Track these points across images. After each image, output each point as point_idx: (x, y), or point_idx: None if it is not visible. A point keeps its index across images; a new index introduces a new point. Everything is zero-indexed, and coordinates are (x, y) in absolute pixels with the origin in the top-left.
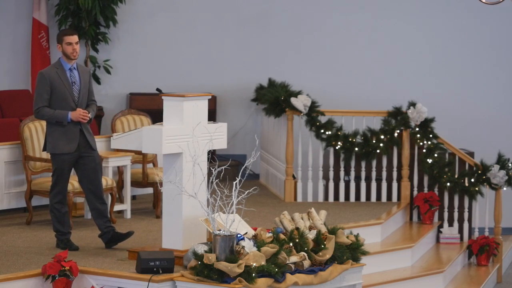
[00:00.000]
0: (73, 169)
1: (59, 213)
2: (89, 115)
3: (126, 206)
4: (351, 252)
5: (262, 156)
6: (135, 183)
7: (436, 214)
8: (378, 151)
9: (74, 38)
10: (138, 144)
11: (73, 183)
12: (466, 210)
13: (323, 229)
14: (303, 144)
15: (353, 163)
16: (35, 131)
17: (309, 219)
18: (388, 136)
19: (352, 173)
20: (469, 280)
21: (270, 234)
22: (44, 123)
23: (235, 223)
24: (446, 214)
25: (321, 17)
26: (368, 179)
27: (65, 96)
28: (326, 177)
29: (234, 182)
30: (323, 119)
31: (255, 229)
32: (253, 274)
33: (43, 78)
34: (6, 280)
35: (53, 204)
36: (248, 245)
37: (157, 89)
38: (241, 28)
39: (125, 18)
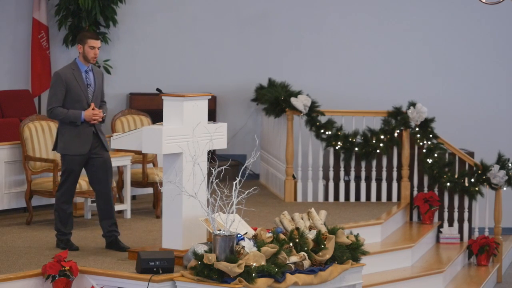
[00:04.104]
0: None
1: (64, 213)
2: (103, 115)
3: (126, 206)
4: (351, 252)
5: (262, 156)
6: (135, 183)
7: (436, 214)
8: (378, 151)
9: (98, 43)
10: (138, 144)
11: None
12: (466, 210)
13: (323, 229)
14: (303, 144)
15: (353, 163)
16: (35, 131)
17: (309, 219)
18: (388, 136)
19: (352, 173)
20: (469, 280)
21: (270, 234)
22: (44, 123)
23: (235, 223)
24: (446, 214)
25: (321, 17)
26: (368, 179)
27: (79, 98)
28: (326, 177)
29: (234, 182)
30: (323, 119)
31: (255, 229)
32: (253, 274)
33: (59, 79)
34: (6, 280)
35: (59, 204)
36: (248, 245)
37: (157, 89)
38: (241, 28)
39: (125, 18)
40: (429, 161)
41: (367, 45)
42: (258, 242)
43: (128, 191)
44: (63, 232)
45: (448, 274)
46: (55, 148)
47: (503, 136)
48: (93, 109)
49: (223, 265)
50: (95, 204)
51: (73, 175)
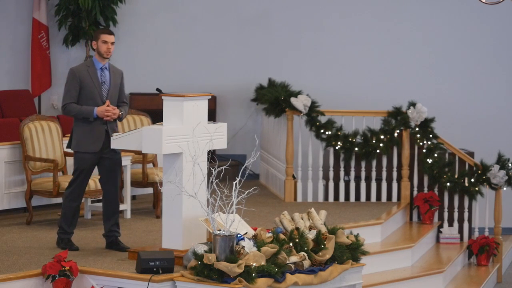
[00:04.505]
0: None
1: (70, 212)
2: (118, 112)
3: (126, 206)
4: (351, 252)
5: (262, 156)
6: (135, 183)
7: (436, 214)
8: (378, 151)
9: (111, 38)
10: (138, 144)
11: None
12: (466, 210)
13: (323, 229)
14: (303, 144)
15: (353, 163)
16: (35, 131)
17: (309, 219)
18: (388, 136)
19: (352, 173)
20: (469, 280)
21: (270, 234)
22: (44, 123)
23: (235, 223)
24: (446, 214)
25: (321, 17)
26: (368, 179)
27: (93, 95)
28: (326, 177)
29: (234, 182)
30: (323, 119)
31: (255, 229)
32: (253, 274)
33: (73, 75)
34: (6, 280)
35: (66, 201)
36: (248, 245)
37: (157, 89)
38: (241, 28)
39: (125, 18)
40: (429, 161)
41: (367, 45)
42: (258, 242)
43: (128, 191)
44: (65, 231)
45: (448, 274)
46: (69, 145)
47: (503, 136)
48: (108, 106)
49: (223, 265)
50: (95, 204)
51: (84, 174)
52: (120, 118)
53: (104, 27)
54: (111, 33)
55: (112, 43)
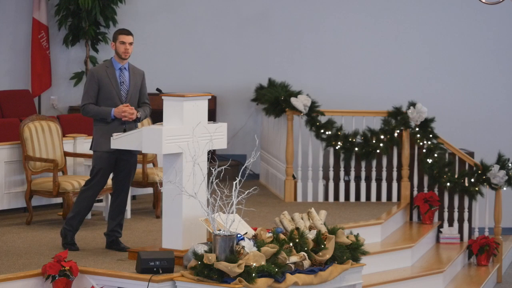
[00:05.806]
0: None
1: (81, 209)
2: (137, 113)
3: (126, 206)
4: (351, 252)
5: (262, 156)
6: (135, 183)
7: (436, 214)
8: (378, 151)
9: (129, 38)
10: (138, 144)
11: (73, 183)
12: (466, 210)
13: (323, 229)
14: (303, 144)
15: (353, 163)
16: (35, 131)
17: (309, 219)
18: (388, 136)
19: (352, 173)
20: (469, 280)
21: (270, 234)
22: (44, 123)
23: (235, 223)
24: (446, 214)
25: (321, 17)
26: (368, 179)
27: (111, 95)
28: (326, 177)
29: (234, 182)
30: (323, 119)
31: (255, 229)
32: (253, 274)
33: (92, 76)
34: (6, 280)
35: (79, 199)
36: (248, 245)
37: (157, 89)
38: (241, 28)
39: (125, 18)
40: (429, 161)
41: (367, 45)
42: (258, 242)
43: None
44: (71, 227)
45: (448, 274)
46: (91, 146)
47: (503, 136)
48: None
49: (223, 265)
50: (95, 204)
51: (101, 174)
52: (138, 119)
53: (122, 28)
54: (128, 33)
55: (130, 44)
